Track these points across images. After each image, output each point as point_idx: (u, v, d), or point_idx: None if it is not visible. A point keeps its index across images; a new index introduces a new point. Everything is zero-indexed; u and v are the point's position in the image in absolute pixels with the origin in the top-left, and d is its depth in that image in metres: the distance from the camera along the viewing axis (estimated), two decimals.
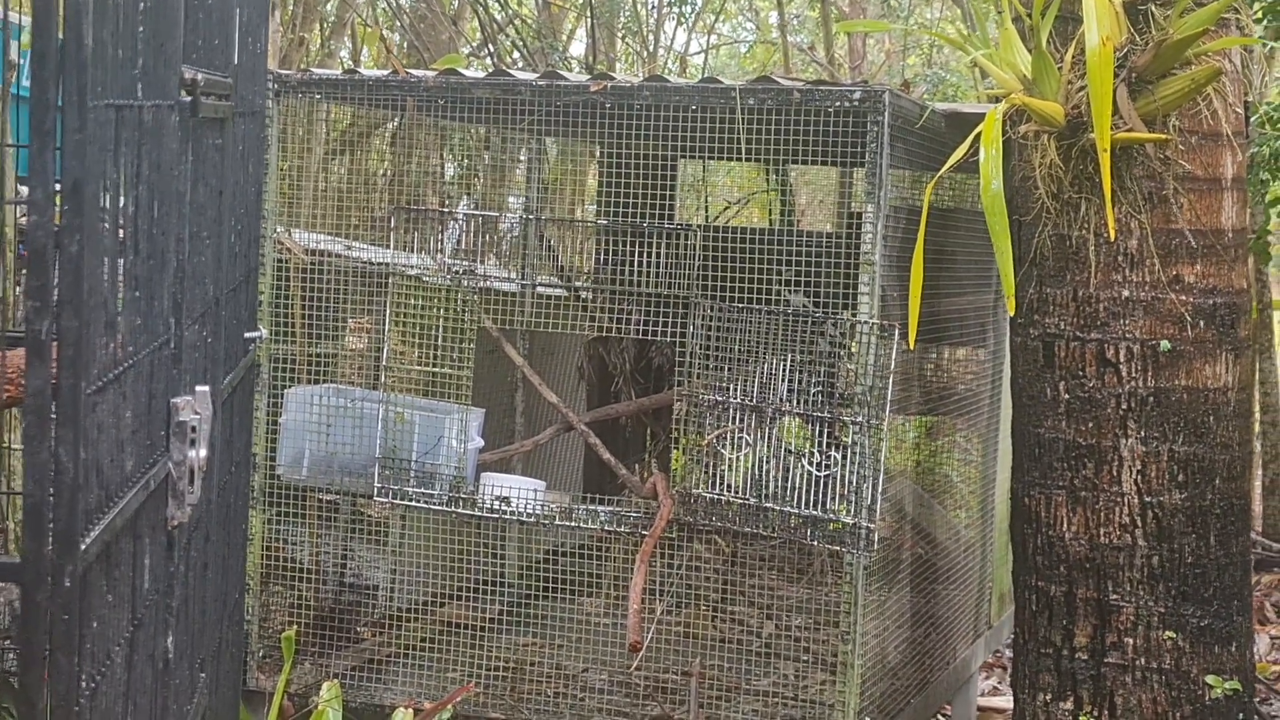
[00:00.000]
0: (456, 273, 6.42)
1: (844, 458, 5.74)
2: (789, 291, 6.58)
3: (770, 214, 8.13)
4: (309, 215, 6.81)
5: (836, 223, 8.41)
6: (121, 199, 2.48)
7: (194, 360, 3.11)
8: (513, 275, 7.62)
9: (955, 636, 7.18)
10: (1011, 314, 5.28)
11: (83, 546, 2.28)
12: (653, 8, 15.37)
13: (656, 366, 8.66)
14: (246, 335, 3.91)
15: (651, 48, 14.78)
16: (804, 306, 6.24)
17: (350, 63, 15.38)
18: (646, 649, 6.52)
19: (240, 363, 3.82)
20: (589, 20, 14.99)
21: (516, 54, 14.85)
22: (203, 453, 2.92)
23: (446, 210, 6.43)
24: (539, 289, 7.77)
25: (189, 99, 2.93)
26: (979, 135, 5.39)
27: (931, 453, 7.12)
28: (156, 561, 2.84)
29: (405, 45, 15.40)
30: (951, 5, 18.14)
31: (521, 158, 9.24)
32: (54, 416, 2.24)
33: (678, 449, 9.41)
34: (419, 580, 6.89)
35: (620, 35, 14.95)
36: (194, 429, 2.90)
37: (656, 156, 8.01)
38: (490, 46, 14.85)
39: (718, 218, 13.44)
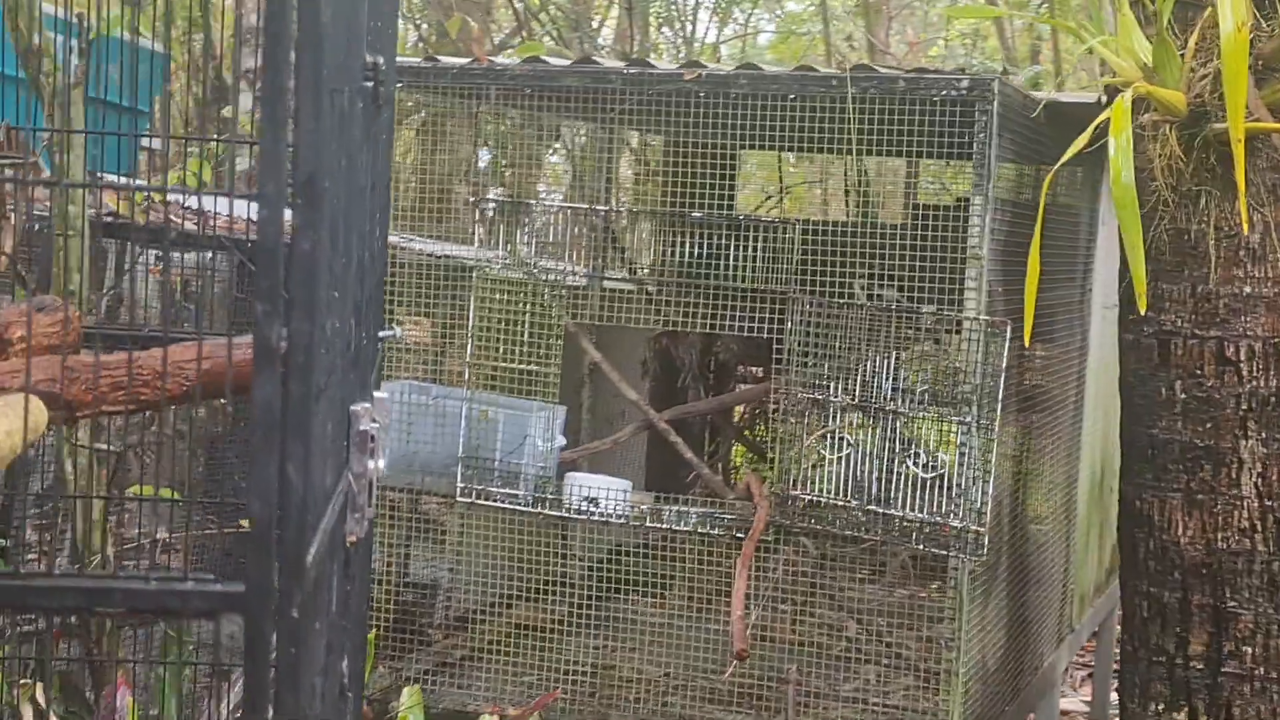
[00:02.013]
0: (534, 266, 6.24)
1: (952, 459, 5.55)
2: (879, 286, 6.39)
3: (848, 204, 7.91)
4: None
5: (903, 215, 8.19)
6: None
7: (363, 363, 2.92)
8: (582, 268, 7.42)
9: (1042, 640, 7.00)
10: (1143, 311, 5.09)
11: (309, 571, 2.09)
12: None
13: (722, 362, 8.48)
14: (381, 334, 3.72)
15: (688, 34, 14.57)
16: (897, 301, 6.05)
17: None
18: (727, 652, 6.34)
19: (378, 364, 3.63)
20: (622, 7, 14.79)
21: (549, 41, 14.65)
22: (381, 464, 2.73)
23: (536, 202, 6.22)
24: (605, 282, 7.57)
25: (370, 85, 2.73)
26: (1099, 125, 5.20)
27: (1021, 452, 6.93)
28: (339, 582, 2.65)
29: (434, 36, 15.19)
30: None
31: (557, 145, 9.04)
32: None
33: (738, 445, 9.24)
34: (491, 580, 6.69)
35: (657, 25, 14.75)
36: (373, 438, 2.71)
37: (730, 147, 7.82)
38: (524, 34, 14.66)
39: (758, 208, 13.24)
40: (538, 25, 14.82)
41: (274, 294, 1.99)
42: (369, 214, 3.16)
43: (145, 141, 8.04)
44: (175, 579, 2.07)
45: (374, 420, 2.73)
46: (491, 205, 6.18)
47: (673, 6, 15.17)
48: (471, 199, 6.43)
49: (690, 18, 14.67)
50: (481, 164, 8.03)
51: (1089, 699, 8.91)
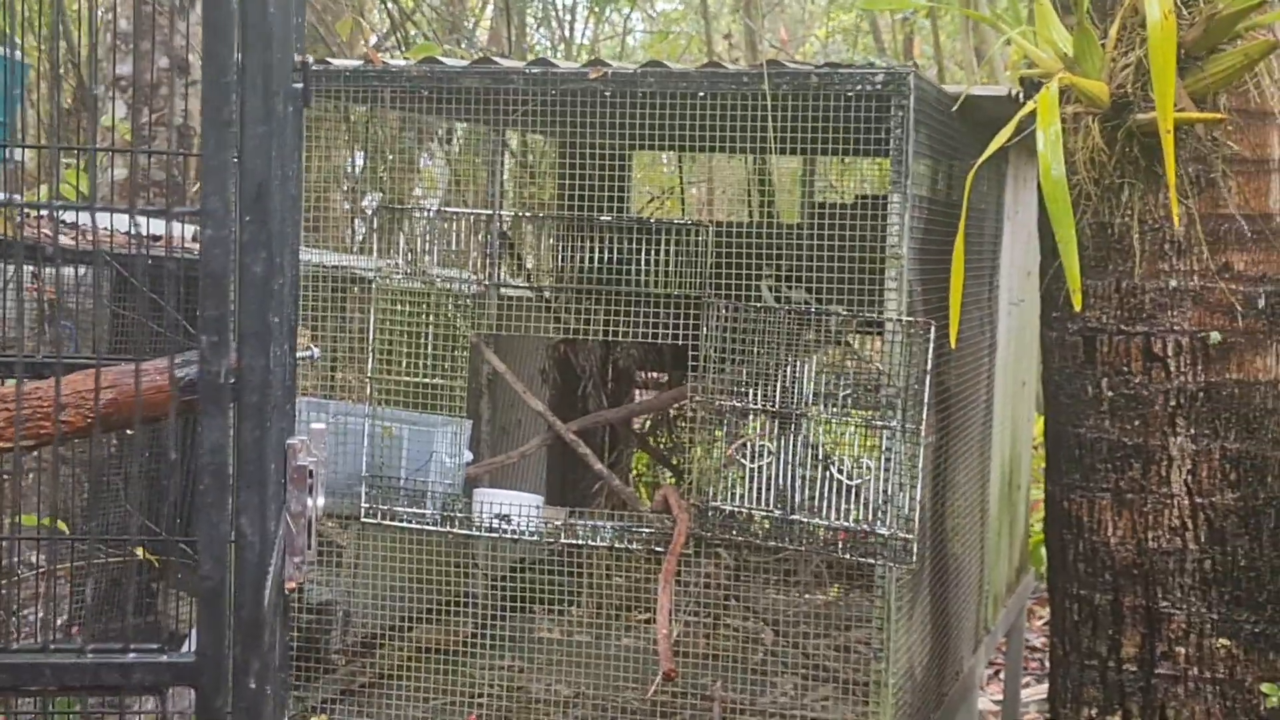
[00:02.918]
0: (435, 276, 5.99)
1: (877, 465, 5.38)
2: (786, 288, 6.22)
3: (751, 205, 7.74)
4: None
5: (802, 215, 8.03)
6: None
7: (293, 390, 2.67)
8: (477, 276, 7.17)
9: (962, 645, 6.86)
10: (1078, 309, 4.95)
11: (266, 635, 1.84)
12: None
13: (621, 368, 8.27)
14: (300, 354, 3.46)
15: (566, 35, 14.34)
16: (805, 303, 5.88)
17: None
18: (639, 668, 6.13)
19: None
20: (498, 8, 14.54)
21: (423, 42, 14.33)
22: (321, 501, 2.48)
23: (441, 210, 5.97)
24: (501, 289, 7.34)
25: (301, 86, 2.49)
26: (1023, 119, 5.06)
27: (940, 453, 6.79)
28: (280, 634, 2.40)
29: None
30: None
31: (436, 148, 8.76)
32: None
33: (640, 452, 9.03)
34: (393, 601, 6.43)
35: (535, 25, 14.50)
36: (312, 474, 2.47)
37: (632, 148, 7.61)
38: (397, 35, 14.34)
39: (643, 210, 13.01)
40: (412, 26, 14.50)
41: (222, 324, 1.75)
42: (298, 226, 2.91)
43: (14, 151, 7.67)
44: (114, 650, 1.82)
45: (311, 454, 2.49)
46: (380, 211, 5.92)
47: (549, 7, 14.94)
48: (349, 205, 6.18)
49: (568, 18, 14.43)
50: (356, 169, 7.72)
51: (999, 698, 8.82)
